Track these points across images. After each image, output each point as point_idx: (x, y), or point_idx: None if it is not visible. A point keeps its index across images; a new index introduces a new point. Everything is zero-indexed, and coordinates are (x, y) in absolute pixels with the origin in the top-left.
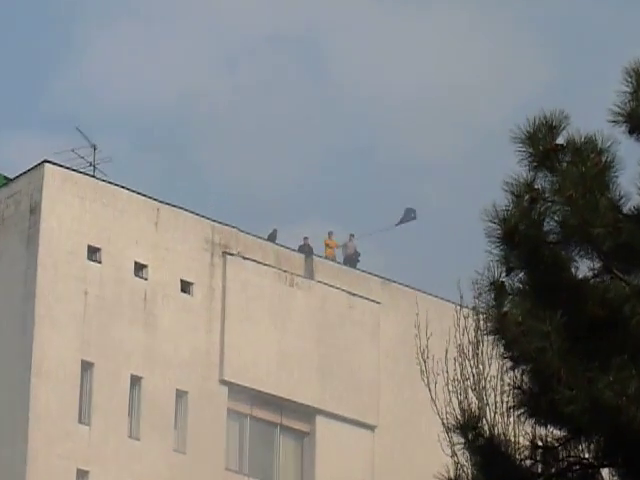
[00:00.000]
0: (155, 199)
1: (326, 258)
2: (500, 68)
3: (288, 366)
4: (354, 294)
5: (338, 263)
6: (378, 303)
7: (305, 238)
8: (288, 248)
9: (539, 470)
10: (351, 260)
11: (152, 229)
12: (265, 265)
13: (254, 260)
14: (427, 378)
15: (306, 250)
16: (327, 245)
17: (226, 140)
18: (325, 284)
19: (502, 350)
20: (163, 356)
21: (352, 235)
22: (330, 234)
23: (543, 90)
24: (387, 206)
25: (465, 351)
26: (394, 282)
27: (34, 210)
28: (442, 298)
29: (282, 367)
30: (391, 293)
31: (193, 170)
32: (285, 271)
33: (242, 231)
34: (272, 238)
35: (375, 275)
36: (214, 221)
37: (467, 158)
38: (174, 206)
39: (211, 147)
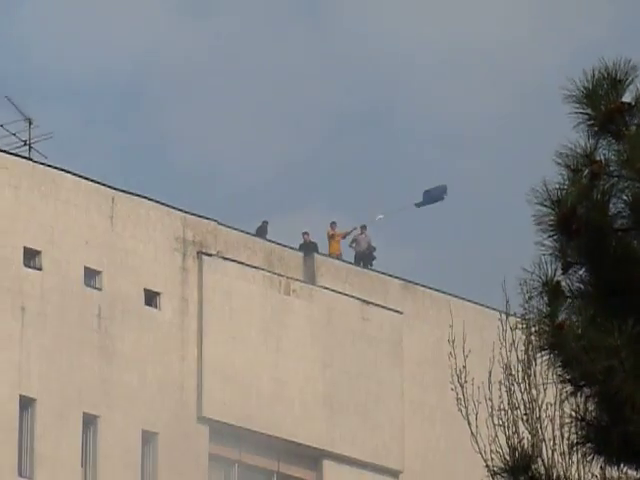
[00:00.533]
0: (109, 186)
1: (331, 256)
2: (544, 13)
3: (286, 397)
4: (369, 302)
5: (347, 262)
6: (400, 313)
7: (305, 234)
8: (282, 245)
9: None
10: (364, 258)
11: (106, 225)
12: (253, 268)
13: (239, 262)
14: (465, 408)
15: (307, 248)
16: (331, 238)
17: (199, 108)
18: (331, 290)
19: (560, 371)
20: (124, 389)
21: (364, 227)
22: (333, 225)
23: (600, 36)
24: (407, 188)
25: (513, 373)
26: (420, 285)
27: None
28: (482, 304)
29: (278, 399)
30: (416, 299)
31: (157, 148)
32: (279, 275)
33: (222, 225)
34: (261, 233)
35: (395, 277)
36: (186, 212)
37: (506, 123)
38: (134, 194)
39: (180, 118)
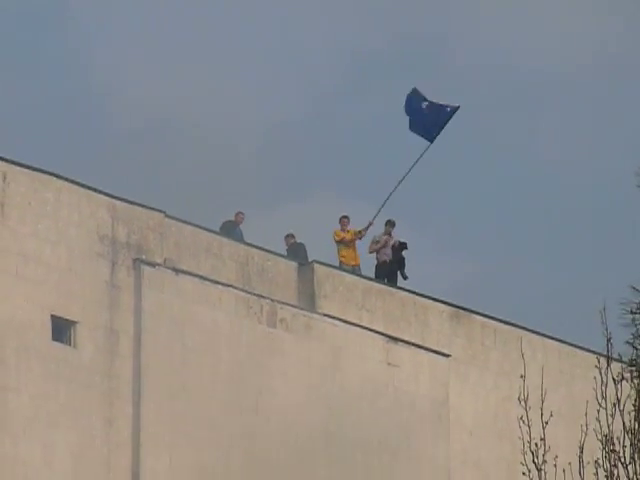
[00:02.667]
0: None
1: (340, 268)
2: None
3: None
4: (398, 339)
5: (364, 278)
6: (446, 356)
7: (288, 237)
8: (265, 250)
9: None
10: (388, 270)
11: None
12: (220, 285)
13: (198, 275)
14: None
15: (298, 253)
16: (340, 241)
17: (143, 33)
18: (340, 320)
19: None
20: (21, 472)
21: (391, 223)
22: (344, 220)
23: None
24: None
25: (617, 448)
26: (477, 313)
27: None
28: (571, 343)
29: None
30: (471, 335)
31: (72, 95)
32: (260, 296)
33: (173, 218)
34: (232, 231)
35: (439, 300)
36: (117, 198)
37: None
38: (34, 169)
39: (113, 49)
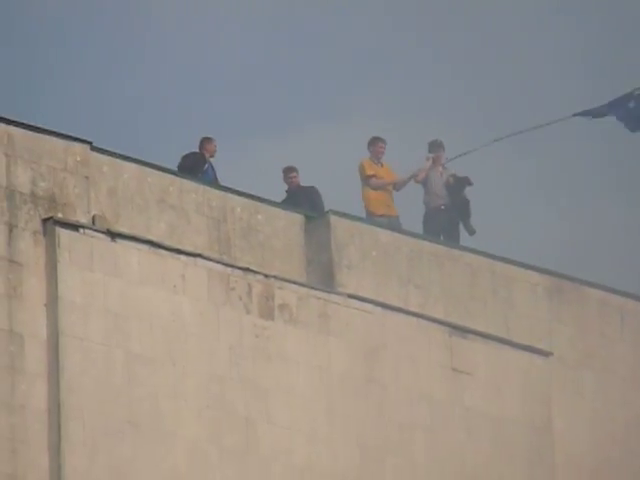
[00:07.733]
0: None
1: (372, 222)
2: None
3: None
4: (467, 330)
5: (410, 235)
6: (547, 355)
7: (288, 171)
8: (250, 197)
9: None
10: (444, 222)
11: None
12: (184, 254)
13: (147, 241)
14: None
15: (307, 201)
16: (369, 178)
17: None
18: (374, 304)
19: None
20: None
21: (436, 143)
22: (378, 145)
23: None
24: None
25: None
26: (590, 285)
27: None
28: None
29: None
30: (583, 320)
31: None
32: (248, 270)
33: (104, 152)
34: (196, 169)
35: (531, 267)
36: (12, 123)
37: None
38: None
39: None
